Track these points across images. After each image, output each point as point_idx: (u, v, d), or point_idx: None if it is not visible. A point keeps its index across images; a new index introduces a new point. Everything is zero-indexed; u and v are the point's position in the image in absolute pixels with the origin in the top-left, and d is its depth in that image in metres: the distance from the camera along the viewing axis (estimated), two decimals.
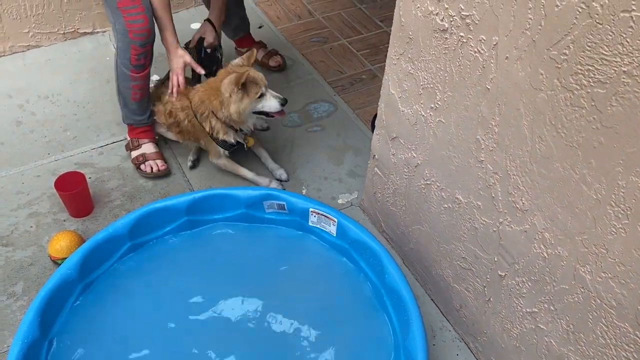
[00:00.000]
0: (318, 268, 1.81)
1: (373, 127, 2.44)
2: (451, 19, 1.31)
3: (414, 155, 1.64)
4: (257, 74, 2.00)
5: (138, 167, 2.24)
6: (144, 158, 2.23)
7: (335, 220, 1.81)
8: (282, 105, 2.02)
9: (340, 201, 2.14)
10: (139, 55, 2.03)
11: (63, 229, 2.01)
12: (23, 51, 2.78)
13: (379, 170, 1.89)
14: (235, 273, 1.77)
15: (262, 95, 1.99)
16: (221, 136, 2.07)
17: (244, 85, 1.93)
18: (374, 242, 1.72)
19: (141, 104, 2.18)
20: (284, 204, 1.89)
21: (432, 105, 1.49)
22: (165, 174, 2.23)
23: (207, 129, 2.05)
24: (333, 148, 2.35)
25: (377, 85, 2.63)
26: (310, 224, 1.87)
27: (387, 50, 1.62)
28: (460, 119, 1.40)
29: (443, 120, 1.47)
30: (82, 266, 1.68)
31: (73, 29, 2.84)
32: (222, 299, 1.69)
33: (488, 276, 1.50)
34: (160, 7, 2.02)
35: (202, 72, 2.13)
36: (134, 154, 2.26)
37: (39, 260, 1.92)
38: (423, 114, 1.54)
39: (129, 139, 2.28)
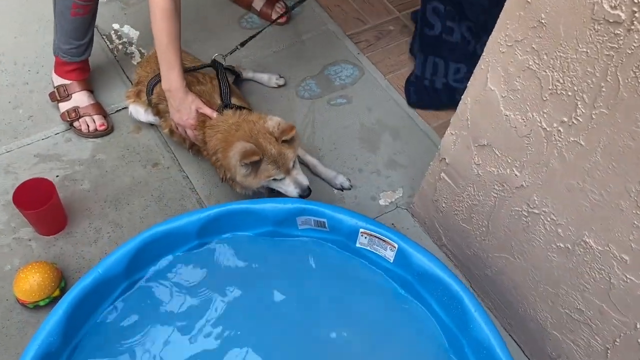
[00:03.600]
0: (371, 304, 1.42)
1: (408, 96, 2.00)
2: (634, 9, 0.86)
3: (517, 174, 1.23)
4: (283, 155, 1.47)
5: (71, 125, 1.79)
6: (77, 114, 1.78)
7: (396, 245, 1.41)
8: (302, 197, 1.53)
9: (382, 202, 1.72)
10: None
11: (29, 252, 1.53)
12: None
13: (447, 177, 1.47)
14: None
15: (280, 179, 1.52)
16: (236, 188, 1.61)
17: (254, 163, 1.45)
18: (452, 278, 1.33)
19: (80, 25, 1.69)
20: (324, 221, 1.47)
21: (566, 119, 1.06)
22: (106, 134, 1.81)
23: (220, 175, 1.58)
24: (365, 128, 1.89)
25: (407, 39, 2.15)
26: (358, 245, 1.47)
27: None
28: (616, 148, 0.99)
29: (582, 143, 1.05)
30: (66, 327, 1.24)
31: None
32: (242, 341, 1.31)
33: (617, 340, 1.16)
34: (167, 39, 1.47)
35: (214, 115, 1.56)
36: (63, 106, 1.79)
37: (1, 302, 1.45)
38: (545, 126, 1.11)
39: (54, 85, 1.80)
